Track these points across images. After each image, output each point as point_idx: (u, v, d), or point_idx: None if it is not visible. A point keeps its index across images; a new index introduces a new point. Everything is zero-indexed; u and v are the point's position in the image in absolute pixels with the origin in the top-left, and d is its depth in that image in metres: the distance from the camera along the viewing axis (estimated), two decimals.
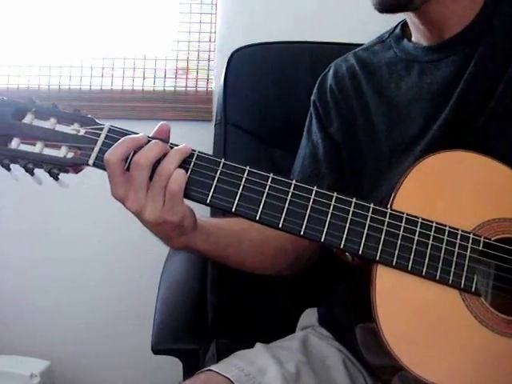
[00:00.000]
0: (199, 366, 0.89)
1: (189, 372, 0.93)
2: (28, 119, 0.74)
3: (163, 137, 0.74)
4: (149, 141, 0.72)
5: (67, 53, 1.61)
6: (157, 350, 1.04)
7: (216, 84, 1.56)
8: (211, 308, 1.18)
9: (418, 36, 0.94)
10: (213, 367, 0.85)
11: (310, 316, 1.03)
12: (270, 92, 1.26)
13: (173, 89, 1.63)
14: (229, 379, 0.82)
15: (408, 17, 0.93)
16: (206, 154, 0.74)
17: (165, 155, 0.71)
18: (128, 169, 0.71)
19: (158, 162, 0.71)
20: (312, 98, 1.03)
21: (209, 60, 1.61)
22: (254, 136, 1.26)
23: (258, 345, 0.93)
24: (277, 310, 1.12)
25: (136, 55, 1.62)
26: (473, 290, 0.72)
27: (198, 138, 1.50)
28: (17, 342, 1.68)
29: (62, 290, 1.67)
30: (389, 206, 0.74)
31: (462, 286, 0.72)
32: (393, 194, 0.75)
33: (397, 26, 0.99)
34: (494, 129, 0.85)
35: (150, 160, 0.70)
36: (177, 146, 0.73)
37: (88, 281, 1.66)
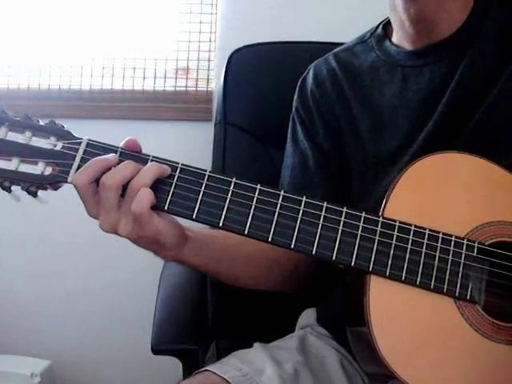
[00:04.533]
0: (199, 367, 0.88)
1: (189, 372, 0.93)
2: (2, 133, 0.70)
3: (134, 147, 0.71)
4: (120, 161, 0.69)
5: (67, 53, 1.61)
6: (157, 350, 1.03)
7: (216, 84, 1.56)
8: (211, 308, 1.18)
9: (402, 38, 0.90)
10: (210, 367, 0.85)
11: (309, 315, 1.02)
12: (270, 92, 1.26)
13: (173, 89, 1.63)
14: (226, 380, 0.81)
15: (397, 16, 0.88)
16: (189, 166, 0.71)
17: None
18: None
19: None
20: (294, 103, 1.00)
21: (209, 60, 1.61)
22: (254, 136, 1.25)
23: (256, 345, 0.93)
24: (277, 310, 1.11)
25: (136, 55, 1.62)
26: (468, 297, 0.71)
27: (197, 138, 1.51)
28: (17, 342, 1.68)
29: (63, 290, 1.67)
30: (380, 214, 0.72)
31: (457, 294, 0.71)
32: (384, 200, 0.73)
33: (378, 26, 0.96)
34: (480, 140, 0.82)
35: (117, 181, 0.68)
36: (158, 159, 0.70)
37: (88, 282, 1.67)
